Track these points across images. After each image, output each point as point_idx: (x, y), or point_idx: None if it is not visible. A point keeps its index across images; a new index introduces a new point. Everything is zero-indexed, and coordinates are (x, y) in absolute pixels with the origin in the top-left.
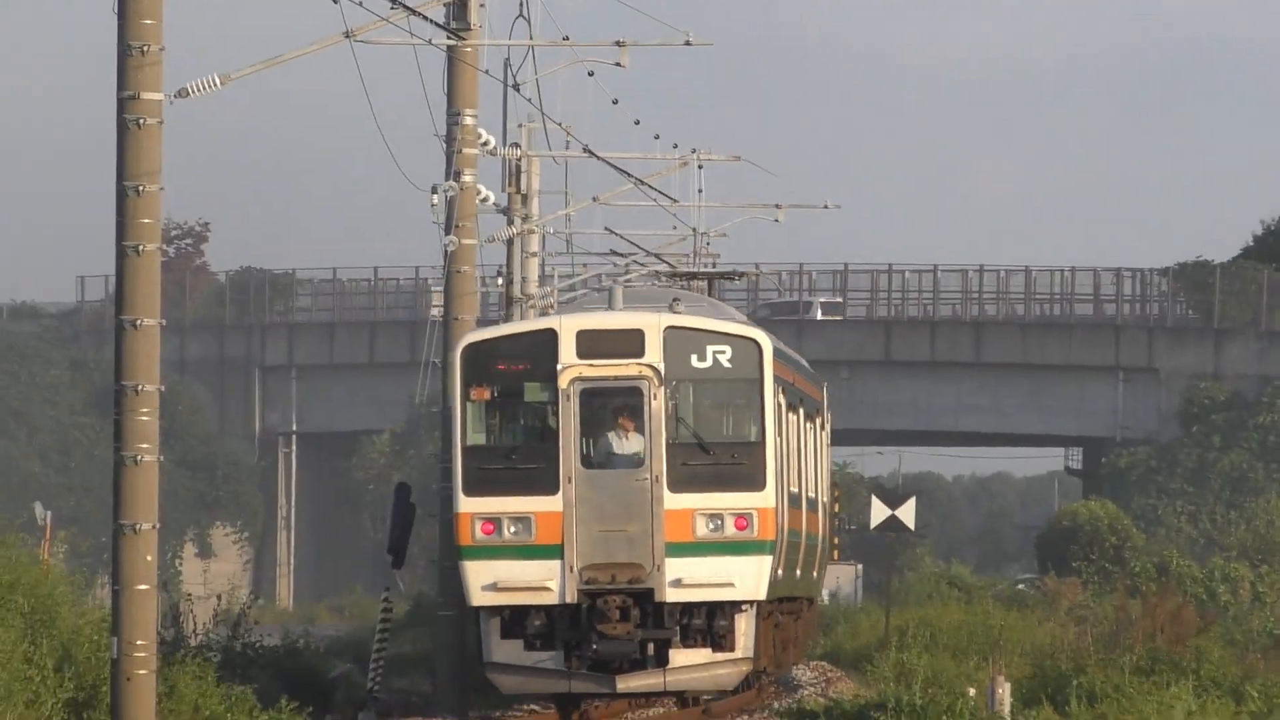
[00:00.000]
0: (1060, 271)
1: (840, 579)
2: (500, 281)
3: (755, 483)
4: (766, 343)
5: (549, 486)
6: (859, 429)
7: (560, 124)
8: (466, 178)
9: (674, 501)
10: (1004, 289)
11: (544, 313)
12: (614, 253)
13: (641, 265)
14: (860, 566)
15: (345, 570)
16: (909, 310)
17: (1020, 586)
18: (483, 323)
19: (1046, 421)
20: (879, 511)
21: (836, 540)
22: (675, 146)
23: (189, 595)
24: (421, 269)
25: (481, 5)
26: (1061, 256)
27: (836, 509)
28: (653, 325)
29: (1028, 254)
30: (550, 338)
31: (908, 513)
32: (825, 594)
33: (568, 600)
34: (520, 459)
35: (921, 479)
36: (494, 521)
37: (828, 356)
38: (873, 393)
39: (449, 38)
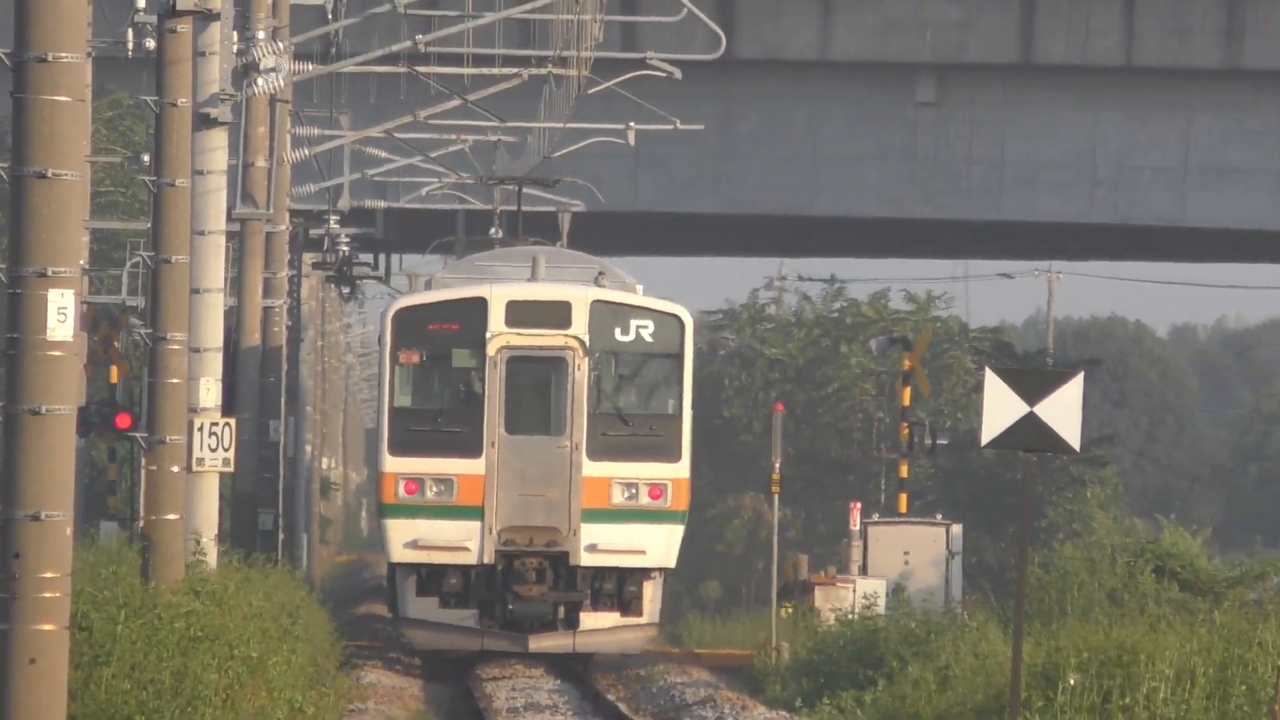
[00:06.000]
0: None
1: (913, 554)
2: None
3: (671, 454)
4: (688, 319)
5: (472, 450)
6: (953, 220)
7: None
8: None
9: (592, 469)
10: None
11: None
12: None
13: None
14: (956, 529)
15: None
16: None
17: None
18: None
19: None
20: (1001, 406)
21: None
22: None
23: None
24: None
25: None
26: None
27: (909, 396)
28: (580, 298)
29: None
30: (480, 305)
31: (1064, 411)
32: (880, 586)
33: (485, 561)
34: (446, 422)
35: (1100, 332)
36: (417, 481)
37: (890, 55)
38: (989, 133)
39: None
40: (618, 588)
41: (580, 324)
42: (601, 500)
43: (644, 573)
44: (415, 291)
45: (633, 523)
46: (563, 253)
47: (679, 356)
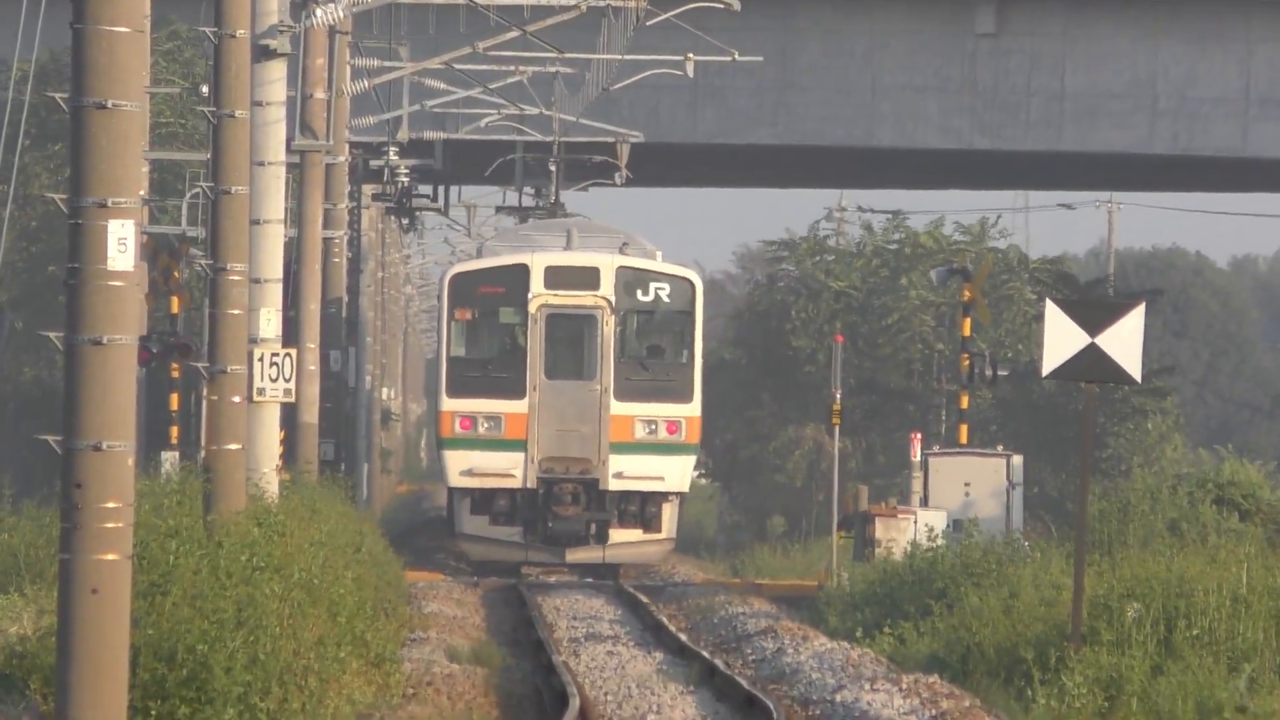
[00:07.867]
0: None
1: (974, 486)
2: None
3: (685, 396)
4: (699, 282)
5: (517, 392)
6: (1013, 151)
7: None
8: None
9: (618, 409)
10: None
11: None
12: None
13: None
14: (1017, 461)
15: None
16: None
17: None
18: None
19: None
20: (1062, 337)
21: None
22: None
23: None
24: None
25: None
26: None
27: (970, 327)
28: (608, 264)
29: None
30: (523, 271)
31: (1125, 341)
32: (941, 517)
33: (528, 486)
34: (494, 369)
35: (1161, 263)
36: (471, 419)
37: None
38: (1049, 63)
39: None
40: (640, 509)
41: (608, 286)
42: (626, 435)
43: (663, 496)
44: (468, 259)
45: (653, 454)
46: (593, 224)
47: (691, 314)
